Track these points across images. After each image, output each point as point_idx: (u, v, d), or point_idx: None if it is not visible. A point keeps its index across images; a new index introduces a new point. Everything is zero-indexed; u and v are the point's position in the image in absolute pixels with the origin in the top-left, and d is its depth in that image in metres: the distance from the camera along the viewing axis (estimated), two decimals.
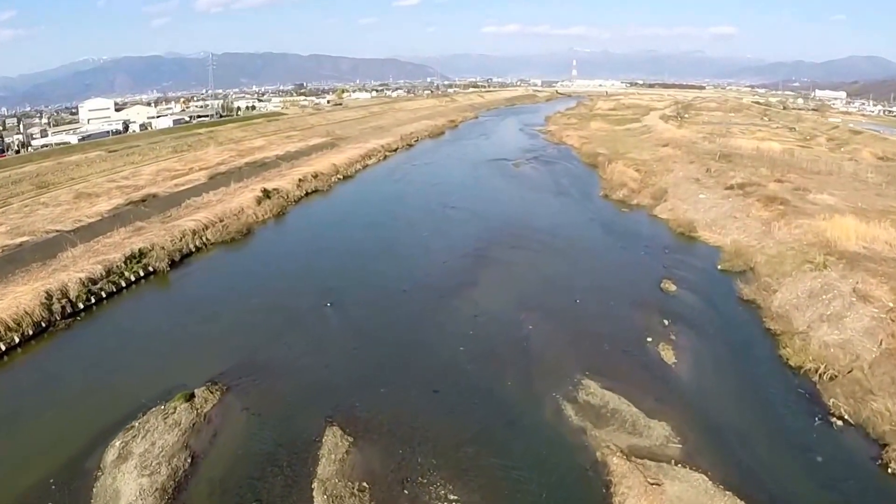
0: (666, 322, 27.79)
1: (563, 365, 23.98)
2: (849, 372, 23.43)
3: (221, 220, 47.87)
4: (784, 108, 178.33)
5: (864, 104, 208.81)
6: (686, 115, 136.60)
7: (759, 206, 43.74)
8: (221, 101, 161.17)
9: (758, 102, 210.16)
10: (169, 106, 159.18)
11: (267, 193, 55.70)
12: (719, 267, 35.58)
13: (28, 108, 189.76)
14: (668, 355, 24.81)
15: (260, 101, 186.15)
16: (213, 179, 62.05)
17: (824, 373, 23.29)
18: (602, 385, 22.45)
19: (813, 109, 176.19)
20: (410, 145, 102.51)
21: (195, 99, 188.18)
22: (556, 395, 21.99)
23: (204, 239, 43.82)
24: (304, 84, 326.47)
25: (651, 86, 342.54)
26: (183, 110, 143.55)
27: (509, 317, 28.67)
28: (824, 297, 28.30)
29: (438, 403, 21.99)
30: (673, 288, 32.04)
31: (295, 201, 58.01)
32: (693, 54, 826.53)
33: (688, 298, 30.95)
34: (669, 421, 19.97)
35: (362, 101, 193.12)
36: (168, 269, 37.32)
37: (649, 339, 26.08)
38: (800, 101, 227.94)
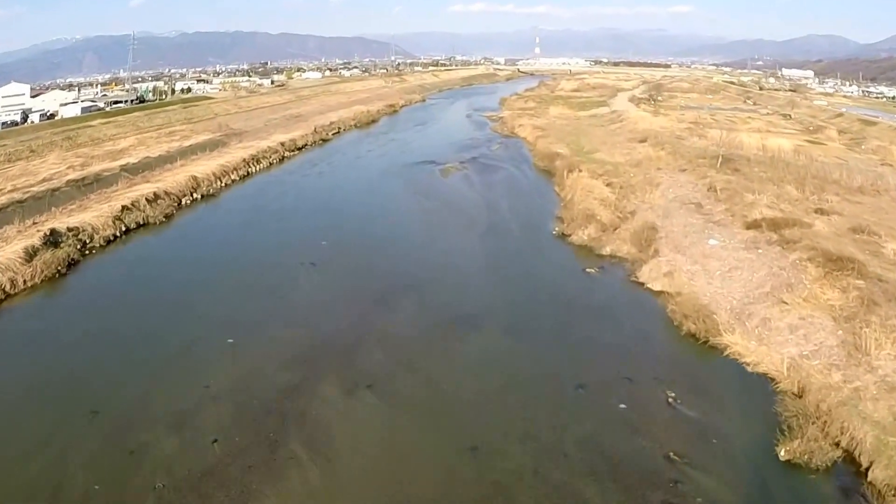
0: None
1: None
2: None
3: None
4: (760, 89, 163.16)
5: (837, 84, 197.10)
6: (659, 98, 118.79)
7: (817, 274, 25.12)
8: (155, 85, 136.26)
9: (731, 82, 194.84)
10: (104, 91, 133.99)
11: (52, 239, 34.29)
12: (782, 454, 16.61)
13: None
14: None
15: (201, 81, 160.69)
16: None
17: None
18: None
19: (790, 90, 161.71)
20: (325, 140, 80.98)
21: (151, 79, 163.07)
22: None
23: None
24: (268, 63, 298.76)
25: (616, 64, 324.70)
26: (103, 95, 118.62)
27: None
28: None
29: None
30: None
31: (100, 246, 36.92)
32: (654, 32, 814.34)
33: None
34: None
35: (310, 82, 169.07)
36: None
37: None
38: (772, 80, 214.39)
